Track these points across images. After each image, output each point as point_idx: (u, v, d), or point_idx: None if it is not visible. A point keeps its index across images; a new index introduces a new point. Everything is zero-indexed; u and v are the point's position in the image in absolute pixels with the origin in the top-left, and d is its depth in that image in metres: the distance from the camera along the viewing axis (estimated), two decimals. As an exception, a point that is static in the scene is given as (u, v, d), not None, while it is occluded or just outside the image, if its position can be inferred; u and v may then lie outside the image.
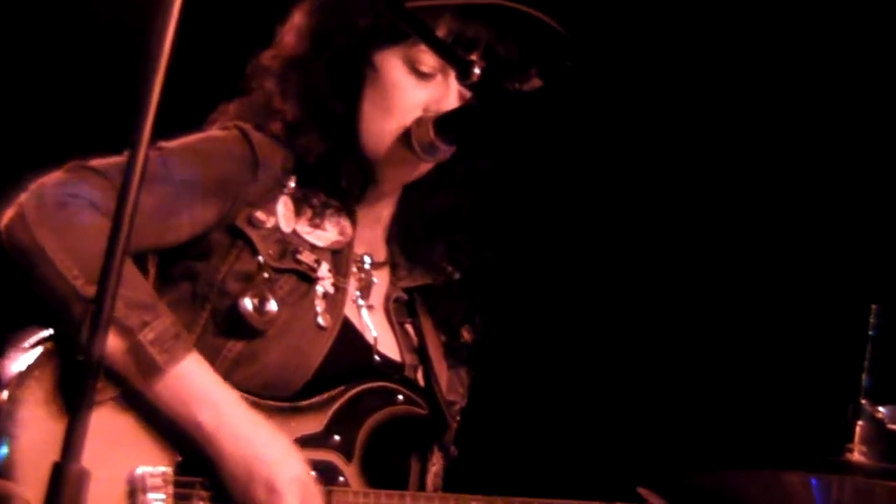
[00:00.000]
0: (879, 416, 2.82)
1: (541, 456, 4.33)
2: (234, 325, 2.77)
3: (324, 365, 2.82)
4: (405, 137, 2.87)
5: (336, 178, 2.91)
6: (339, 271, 2.91)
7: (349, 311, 2.92)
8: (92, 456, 2.36)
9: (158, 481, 2.63)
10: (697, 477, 2.91)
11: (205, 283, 2.79)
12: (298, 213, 2.88)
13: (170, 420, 2.63)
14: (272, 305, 2.77)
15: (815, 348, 4.14)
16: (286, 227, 2.85)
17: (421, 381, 3.01)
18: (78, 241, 2.60)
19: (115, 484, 2.61)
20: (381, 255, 3.05)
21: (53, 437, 2.45)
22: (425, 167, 2.95)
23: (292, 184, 2.88)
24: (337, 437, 2.80)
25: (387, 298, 3.03)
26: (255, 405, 2.72)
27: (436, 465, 2.98)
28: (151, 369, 2.60)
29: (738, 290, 4.34)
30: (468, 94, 2.87)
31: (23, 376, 2.59)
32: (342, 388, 2.83)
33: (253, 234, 2.81)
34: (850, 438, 2.82)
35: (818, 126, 4.22)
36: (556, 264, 4.38)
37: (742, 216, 4.32)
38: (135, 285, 2.63)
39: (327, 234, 2.90)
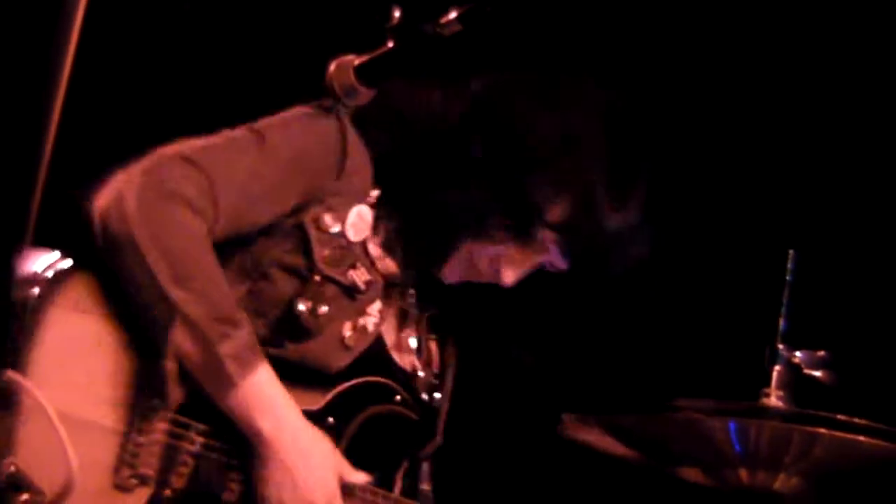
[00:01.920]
0: (796, 360, 2.84)
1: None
2: (282, 321, 2.78)
3: (341, 376, 2.85)
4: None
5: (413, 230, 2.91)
6: (386, 304, 2.91)
7: (388, 338, 2.94)
8: (106, 376, 2.60)
9: (156, 413, 2.65)
10: (615, 420, 2.92)
11: (251, 259, 2.78)
12: (376, 229, 2.86)
13: (232, 420, 2.68)
14: (322, 309, 2.78)
15: (732, 293, 4.16)
16: (354, 237, 2.83)
17: (425, 395, 3.01)
18: (172, 241, 2.62)
19: (119, 406, 2.64)
20: (410, 281, 3.01)
21: (77, 342, 2.58)
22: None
23: (374, 194, 2.86)
24: (331, 420, 2.80)
25: (418, 319, 3.03)
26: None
27: (406, 472, 3.00)
28: (226, 382, 2.64)
29: (656, 235, 4.35)
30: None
31: (55, 279, 2.60)
32: (344, 376, 2.85)
33: (313, 234, 2.79)
34: (767, 383, 2.84)
35: (737, 71, 4.24)
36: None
37: (661, 158, 4.32)
38: (219, 294, 2.66)
39: (389, 263, 2.89)
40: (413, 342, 3.01)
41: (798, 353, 2.85)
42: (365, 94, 2.85)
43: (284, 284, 2.79)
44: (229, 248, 2.77)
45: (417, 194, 2.88)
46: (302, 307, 2.77)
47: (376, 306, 2.88)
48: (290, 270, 2.79)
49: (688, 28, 4.18)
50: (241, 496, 2.73)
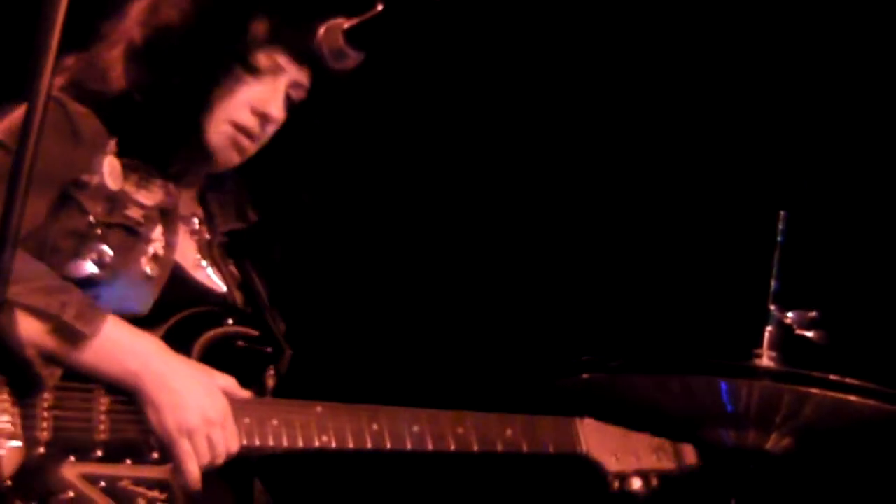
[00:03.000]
0: (787, 321, 2.85)
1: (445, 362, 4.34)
2: (75, 282, 2.83)
3: (155, 311, 2.91)
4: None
5: (167, 156, 3.00)
6: (169, 229, 2.99)
7: (186, 264, 3.01)
8: None
9: (2, 384, 2.73)
10: (607, 381, 2.93)
11: (34, 245, 2.82)
12: (126, 175, 2.94)
13: (105, 378, 2.79)
14: (108, 253, 2.86)
15: (723, 254, 4.17)
16: (113, 186, 2.91)
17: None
18: None
19: None
20: (200, 211, 3.14)
21: None
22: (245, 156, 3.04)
23: (113, 144, 2.93)
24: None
25: (211, 245, 3.13)
26: None
27: (271, 386, 3.08)
28: (82, 341, 2.75)
29: (646, 197, 4.35)
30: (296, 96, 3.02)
31: None
32: (171, 310, 2.92)
33: (79, 195, 2.87)
34: (759, 343, 2.85)
35: (724, 33, 4.23)
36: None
37: (650, 123, 4.32)
38: (41, 273, 2.76)
39: (154, 194, 2.98)
40: (206, 265, 3.08)
41: (789, 314, 2.85)
42: (354, 58, 2.87)
43: (73, 250, 2.86)
44: None
45: (143, 112, 2.95)
46: (89, 260, 2.84)
47: (158, 231, 2.96)
48: (75, 235, 2.86)
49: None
50: (112, 433, 2.79)
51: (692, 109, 4.28)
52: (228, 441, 2.83)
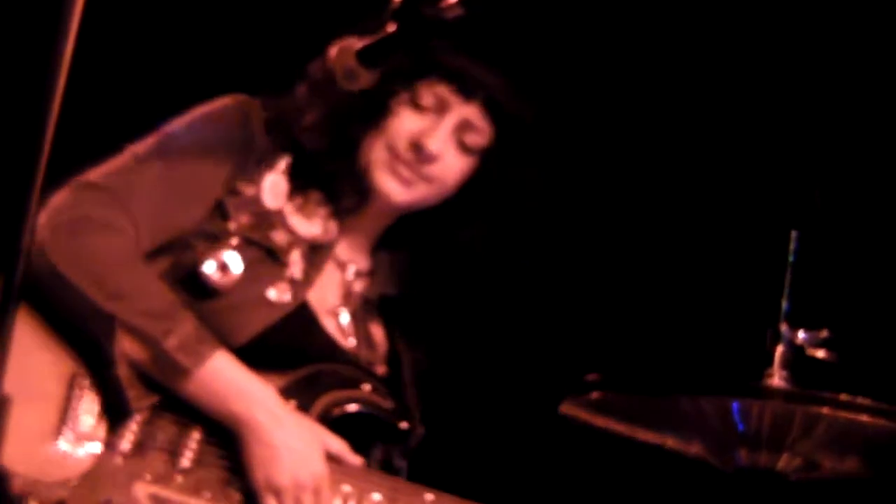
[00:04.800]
0: (798, 341, 2.84)
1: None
2: (191, 283, 2.80)
3: (263, 337, 2.83)
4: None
5: (334, 186, 2.93)
6: (313, 264, 2.91)
7: (320, 308, 2.93)
8: (40, 348, 2.67)
9: (98, 380, 2.71)
10: (616, 401, 2.92)
11: (169, 238, 2.81)
12: (291, 196, 2.90)
13: (207, 413, 2.74)
14: (236, 269, 2.80)
15: (734, 274, 4.16)
16: (271, 203, 2.87)
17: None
18: (94, 264, 2.71)
19: (59, 377, 2.71)
20: (365, 264, 3.05)
21: None
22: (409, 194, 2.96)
23: (284, 163, 2.90)
24: (293, 402, 2.82)
25: (361, 302, 3.04)
26: None
27: (398, 466, 3.01)
28: (182, 374, 2.70)
29: (657, 215, 4.35)
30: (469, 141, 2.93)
31: None
32: (303, 362, 2.86)
33: (228, 201, 2.83)
34: (770, 364, 2.84)
35: (737, 50, 4.23)
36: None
37: (660, 138, 4.32)
38: (152, 293, 2.73)
39: (311, 226, 2.91)
40: (345, 317, 3.00)
41: (801, 334, 2.85)
42: (366, 78, 2.88)
43: (206, 254, 2.81)
44: None
45: (316, 166, 2.92)
46: (208, 264, 2.79)
47: (297, 260, 2.89)
48: (209, 237, 2.81)
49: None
50: (198, 463, 2.74)
51: (703, 126, 4.28)
52: None
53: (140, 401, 2.70)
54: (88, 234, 2.72)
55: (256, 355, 2.79)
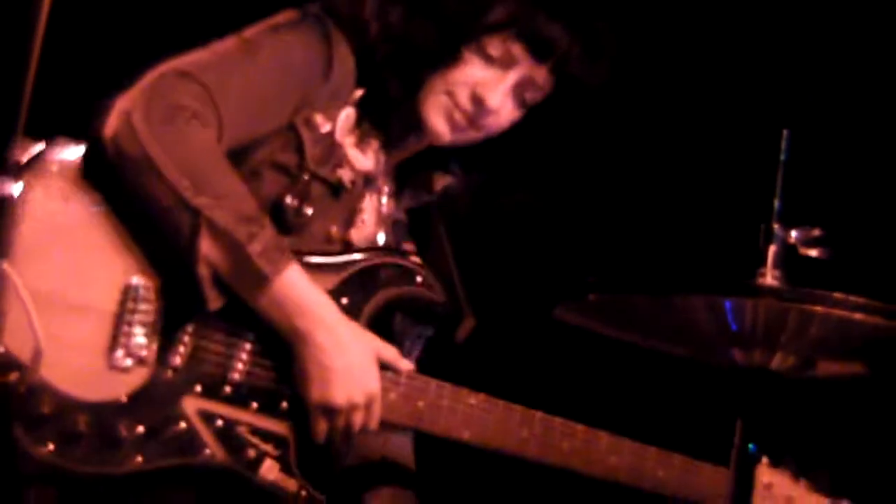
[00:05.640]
0: (791, 240, 2.84)
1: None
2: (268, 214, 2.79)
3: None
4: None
5: (389, 120, 2.96)
6: (361, 196, 2.97)
7: (359, 239, 2.98)
8: (94, 258, 2.63)
9: (151, 294, 2.69)
10: (608, 300, 2.93)
11: (242, 157, 2.81)
12: (353, 128, 2.91)
13: (268, 323, 2.73)
14: (308, 210, 2.83)
15: (726, 174, 4.16)
16: (340, 137, 2.88)
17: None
18: (186, 154, 2.65)
19: (110, 288, 2.68)
20: (392, 186, 3.10)
21: (60, 229, 2.64)
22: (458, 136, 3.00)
23: (357, 95, 2.89)
24: (344, 301, 2.83)
25: (391, 222, 3.09)
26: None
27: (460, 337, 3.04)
28: (259, 281, 2.67)
29: (648, 116, 4.34)
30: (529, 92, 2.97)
31: (39, 168, 2.66)
32: (360, 254, 2.88)
33: (305, 134, 2.82)
34: (763, 263, 2.85)
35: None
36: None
37: (654, 40, 4.30)
38: (240, 196, 2.69)
39: (365, 160, 2.94)
40: (381, 239, 3.04)
41: (793, 232, 2.84)
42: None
43: (273, 182, 2.83)
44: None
45: (389, 73, 2.92)
46: (289, 201, 2.78)
47: (366, 202, 2.96)
48: (280, 169, 2.82)
49: None
50: (249, 374, 2.74)
51: (693, 32, 4.26)
52: (368, 422, 2.79)
53: (216, 302, 2.68)
54: (181, 120, 2.67)
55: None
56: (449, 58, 2.90)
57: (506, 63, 2.93)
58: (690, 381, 3.98)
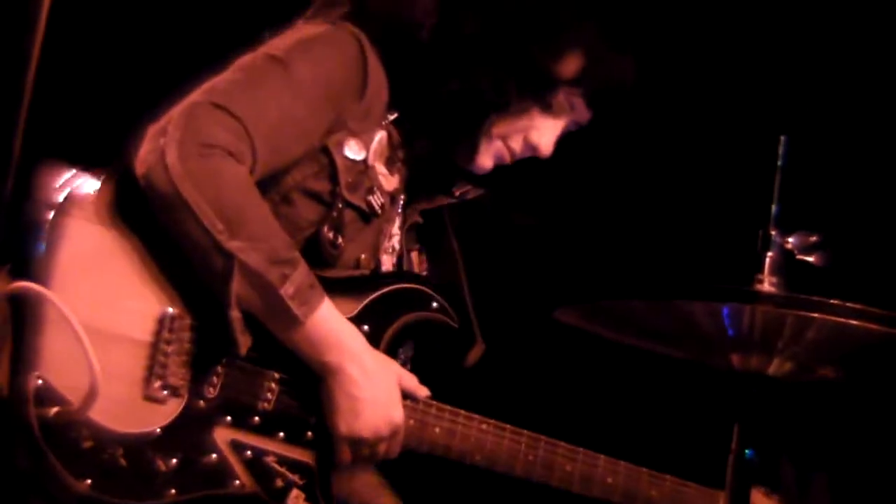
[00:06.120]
0: (788, 245, 2.85)
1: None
2: (305, 248, 2.80)
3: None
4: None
5: (423, 142, 2.96)
6: (389, 217, 2.97)
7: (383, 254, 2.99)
8: (129, 288, 2.60)
9: (185, 323, 2.68)
10: (607, 306, 2.93)
11: (272, 180, 2.78)
12: (384, 151, 2.90)
13: (299, 358, 2.74)
14: (341, 240, 2.83)
15: (724, 180, 4.17)
16: (372, 161, 2.87)
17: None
18: (220, 194, 2.60)
19: (145, 318, 2.67)
20: (405, 197, 3.09)
21: (98, 254, 2.62)
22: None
23: (391, 117, 2.89)
24: (366, 328, 2.84)
25: (403, 231, 3.09)
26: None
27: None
28: (292, 322, 2.67)
29: (648, 122, 4.35)
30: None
31: (76, 193, 2.63)
32: (378, 282, 2.89)
33: (339, 161, 2.80)
34: (760, 269, 2.85)
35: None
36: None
37: (653, 47, 4.30)
38: (273, 236, 2.66)
39: (393, 179, 2.94)
40: (395, 244, 3.06)
41: (790, 239, 2.85)
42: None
43: (305, 209, 2.81)
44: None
45: (431, 102, 2.90)
46: (325, 233, 2.79)
47: (396, 225, 2.99)
48: (313, 196, 2.81)
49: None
50: (277, 404, 2.75)
51: (692, 39, 4.26)
52: (390, 452, 2.83)
53: (245, 346, 2.67)
54: (215, 158, 2.62)
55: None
56: (515, 109, 2.93)
57: (562, 110, 2.98)
58: (687, 387, 3.99)
